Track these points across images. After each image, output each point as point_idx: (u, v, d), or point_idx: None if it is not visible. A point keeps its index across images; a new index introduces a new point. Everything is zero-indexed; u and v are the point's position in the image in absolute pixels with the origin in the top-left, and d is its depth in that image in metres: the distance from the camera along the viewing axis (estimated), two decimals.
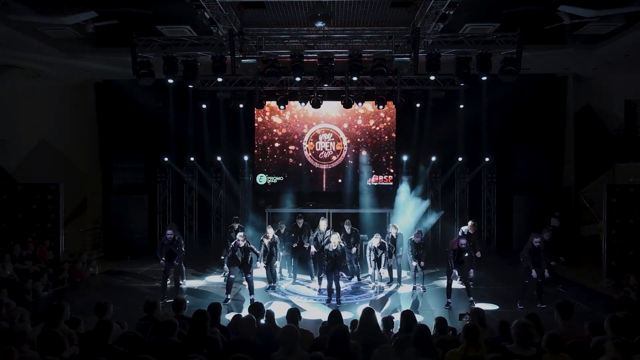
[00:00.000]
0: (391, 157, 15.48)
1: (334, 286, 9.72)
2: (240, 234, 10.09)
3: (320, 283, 10.58)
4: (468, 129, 14.75)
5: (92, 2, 9.24)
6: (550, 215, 13.45)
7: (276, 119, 15.57)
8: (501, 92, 13.31)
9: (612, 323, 4.68)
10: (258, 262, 10.28)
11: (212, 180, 15.28)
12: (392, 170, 15.46)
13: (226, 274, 10.42)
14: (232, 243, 10.07)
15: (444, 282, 10.22)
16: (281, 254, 11.44)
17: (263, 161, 15.62)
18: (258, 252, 10.19)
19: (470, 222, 11.33)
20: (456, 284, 10.80)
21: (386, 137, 15.48)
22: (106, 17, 9.72)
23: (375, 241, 10.49)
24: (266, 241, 10.76)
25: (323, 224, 11.33)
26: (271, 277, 10.93)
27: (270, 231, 11.00)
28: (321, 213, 14.03)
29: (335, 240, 9.70)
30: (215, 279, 11.70)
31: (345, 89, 13.48)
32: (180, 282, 10.63)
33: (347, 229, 11.28)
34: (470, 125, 14.68)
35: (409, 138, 15.27)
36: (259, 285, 11.07)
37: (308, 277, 11.48)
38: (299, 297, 10.33)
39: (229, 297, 9.80)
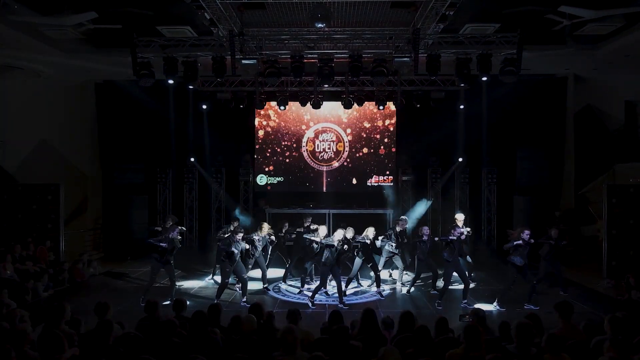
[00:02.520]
0: (391, 157, 15.49)
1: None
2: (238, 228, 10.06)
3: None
4: (468, 129, 14.75)
5: (92, 2, 9.23)
6: (551, 214, 13.45)
7: (276, 120, 15.58)
8: (501, 93, 13.33)
9: (612, 323, 4.69)
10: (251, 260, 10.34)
11: (212, 180, 15.28)
12: (392, 171, 15.47)
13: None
14: (229, 237, 9.95)
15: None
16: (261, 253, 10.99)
17: (263, 161, 15.63)
18: (247, 246, 10.02)
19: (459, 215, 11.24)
20: (458, 285, 10.81)
21: (386, 137, 15.49)
22: (107, 17, 9.73)
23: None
24: (255, 238, 10.47)
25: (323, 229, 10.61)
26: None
27: (266, 227, 10.72)
28: (321, 213, 14.07)
29: (338, 237, 9.63)
30: (216, 279, 11.70)
31: (346, 90, 13.49)
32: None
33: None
34: (470, 125, 14.69)
35: (409, 138, 15.29)
36: (257, 286, 11.08)
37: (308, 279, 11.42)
38: (299, 297, 10.34)
39: (216, 301, 9.47)
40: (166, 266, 9.86)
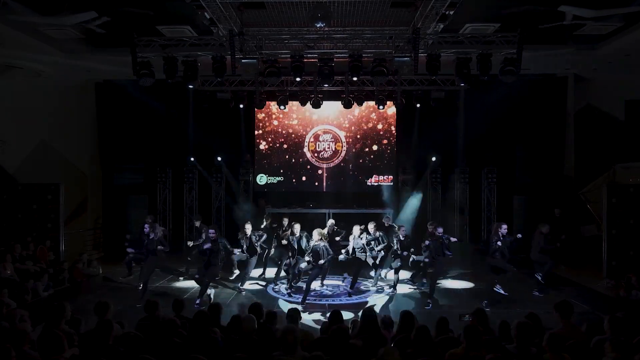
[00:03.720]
0: (391, 157, 15.48)
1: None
2: (210, 230, 10.09)
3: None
4: (468, 129, 14.74)
5: (92, 2, 9.23)
6: (551, 214, 13.44)
7: (276, 119, 15.58)
8: (501, 92, 13.30)
9: (612, 323, 4.69)
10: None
11: (212, 180, 15.27)
12: (392, 171, 15.46)
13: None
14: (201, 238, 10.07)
15: (446, 282, 10.29)
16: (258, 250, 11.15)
17: (263, 161, 15.63)
18: (227, 248, 10.14)
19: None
20: (458, 284, 10.83)
21: (386, 137, 15.48)
22: (107, 17, 9.72)
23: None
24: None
25: (296, 228, 10.73)
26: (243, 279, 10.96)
27: (248, 227, 10.90)
28: (321, 213, 14.08)
29: (316, 236, 9.79)
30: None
31: (346, 89, 13.48)
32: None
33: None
34: (470, 125, 14.67)
35: (409, 138, 15.28)
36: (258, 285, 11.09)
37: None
38: (299, 297, 10.34)
39: (204, 298, 9.61)
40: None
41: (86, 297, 9.96)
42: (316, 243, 9.74)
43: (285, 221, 11.76)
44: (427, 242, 10.08)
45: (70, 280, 11.44)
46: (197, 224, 12.65)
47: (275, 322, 5.50)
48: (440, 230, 10.04)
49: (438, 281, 10.83)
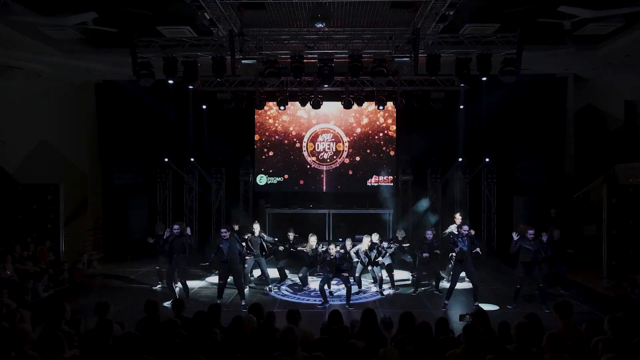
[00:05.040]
0: (391, 157, 15.49)
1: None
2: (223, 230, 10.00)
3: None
4: (468, 130, 14.76)
5: (92, 2, 9.23)
6: (547, 213, 13.45)
7: (276, 120, 15.58)
8: (501, 93, 13.32)
9: (612, 323, 4.69)
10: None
11: (212, 181, 15.28)
12: (392, 171, 15.47)
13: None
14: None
15: (446, 283, 10.30)
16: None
17: (263, 161, 15.63)
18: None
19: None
20: (458, 285, 10.79)
21: (386, 137, 15.49)
22: (107, 17, 9.72)
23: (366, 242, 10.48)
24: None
25: (313, 240, 10.72)
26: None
27: (256, 227, 10.84)
28: (321, 213, 14.09)
29: (332, 250, 9.81)
30: (216, 280, 11.67)
31: (345, 90, 13.49)
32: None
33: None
34: (470, 125, 14.70)
35: (409, 138, 15.30)
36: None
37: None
38: (299, 297, 10.34)
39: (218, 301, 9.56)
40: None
41: (86, 297, 9.96)
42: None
43: (291, 235, 11.58)
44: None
45: (70, 281, 11.43)
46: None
47: (275, 322, 5.49)
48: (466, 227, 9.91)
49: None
